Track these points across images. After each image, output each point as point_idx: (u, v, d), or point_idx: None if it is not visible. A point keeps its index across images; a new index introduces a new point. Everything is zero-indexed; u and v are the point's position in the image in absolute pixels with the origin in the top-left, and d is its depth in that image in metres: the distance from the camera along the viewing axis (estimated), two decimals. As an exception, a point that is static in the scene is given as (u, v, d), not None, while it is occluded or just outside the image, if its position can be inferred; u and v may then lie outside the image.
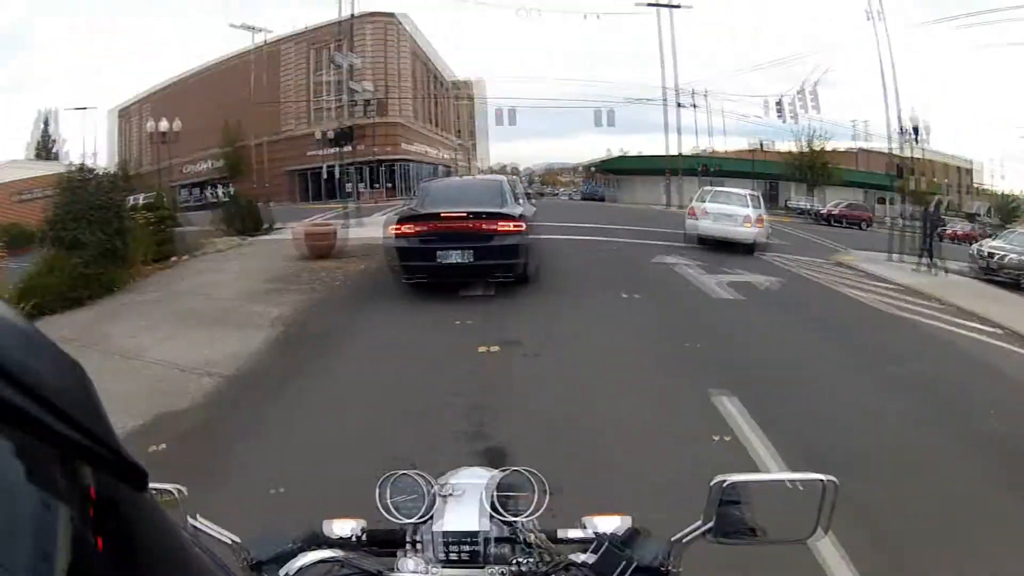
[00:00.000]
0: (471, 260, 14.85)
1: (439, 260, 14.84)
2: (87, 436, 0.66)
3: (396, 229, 15.33)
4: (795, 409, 8.99)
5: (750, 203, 27.25)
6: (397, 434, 8.05)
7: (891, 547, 5.81)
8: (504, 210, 15.47)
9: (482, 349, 11.42)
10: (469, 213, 15.02)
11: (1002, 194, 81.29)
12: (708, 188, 30.89)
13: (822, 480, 1.84)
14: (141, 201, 23.71)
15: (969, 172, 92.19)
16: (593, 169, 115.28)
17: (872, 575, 5.46)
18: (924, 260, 25.08)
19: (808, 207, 62.94)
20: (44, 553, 0.62)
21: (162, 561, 0.87)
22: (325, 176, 60.44)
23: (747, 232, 26.13)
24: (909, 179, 33.86)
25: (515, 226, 15.11)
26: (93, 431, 0.67)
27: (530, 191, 20.41)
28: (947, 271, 24.66)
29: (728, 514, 1.85)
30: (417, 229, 15.11)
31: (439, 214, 15.14)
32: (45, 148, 74.67)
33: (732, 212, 26.51)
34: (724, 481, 1.84)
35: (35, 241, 17.82)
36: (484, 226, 14.85)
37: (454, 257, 14.79)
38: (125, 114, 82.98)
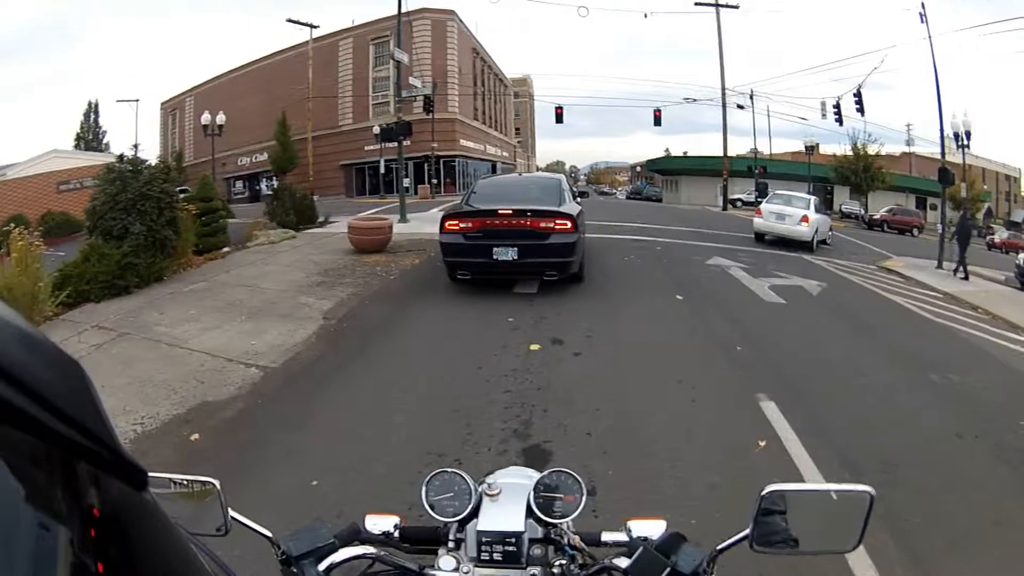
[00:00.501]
0: (526, 258, 14.74)
1: (495, 257, 14.72)
2: (86, 436, 0.65)
3: (451, 224, 15.26)
4: (838, 416, 8.92)
5: (807, 205, 29.30)
6: (442, 430, 8.03)
7: (921, 558, 5.72)
8: (561, 209, 15.38)
9: (533, 347, 11.41)
10: (527, 211, 14.99)
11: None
12: (779, 192, 33.13)
13: (869, 492, 1.83)
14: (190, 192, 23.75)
15: (1017, 180, 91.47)
16: (639, 169, 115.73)
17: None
18: (958, 267, 25.24)
19: (859, 212, 62.35)
20: None
21: (162, 568, 0.85)
22: (383, 171, 60.74)
23: (801, 230, 28.28)
24: (959, 186, 33.47)
25: (572, 225, 14.97)
26: (93, 431, 0.66)
27: (576, 189, 20.67)
28: (967, 277, 24.94)
29: (770, 523, 1.84)
30: (472, 225, 15.07)
31: (496, 210, 15.05)
32: (91, 138, 75.95)
33: (790, 212, 28.91)
34: (769, 490, 1.83)
35: (81, 230, 17.97)
36: (541, 224, 14.77)
37: (510, 254, 14.67)
38: (172, 107, 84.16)
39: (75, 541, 0.65)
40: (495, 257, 14.75)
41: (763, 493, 1.81)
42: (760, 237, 29.62)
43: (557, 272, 15.12)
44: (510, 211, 14.93)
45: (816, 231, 28.86)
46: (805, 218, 28.51)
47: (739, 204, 64.81)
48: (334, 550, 1.92)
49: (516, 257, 14.70)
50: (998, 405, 9.89)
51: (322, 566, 1.88)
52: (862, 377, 10.66)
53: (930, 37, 31.50)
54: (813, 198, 31.85)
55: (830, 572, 5.05)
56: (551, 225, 14.79)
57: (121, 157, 16.99)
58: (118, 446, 0.69)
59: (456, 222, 15.24)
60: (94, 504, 0.69)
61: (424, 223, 27.34)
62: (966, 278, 24.76)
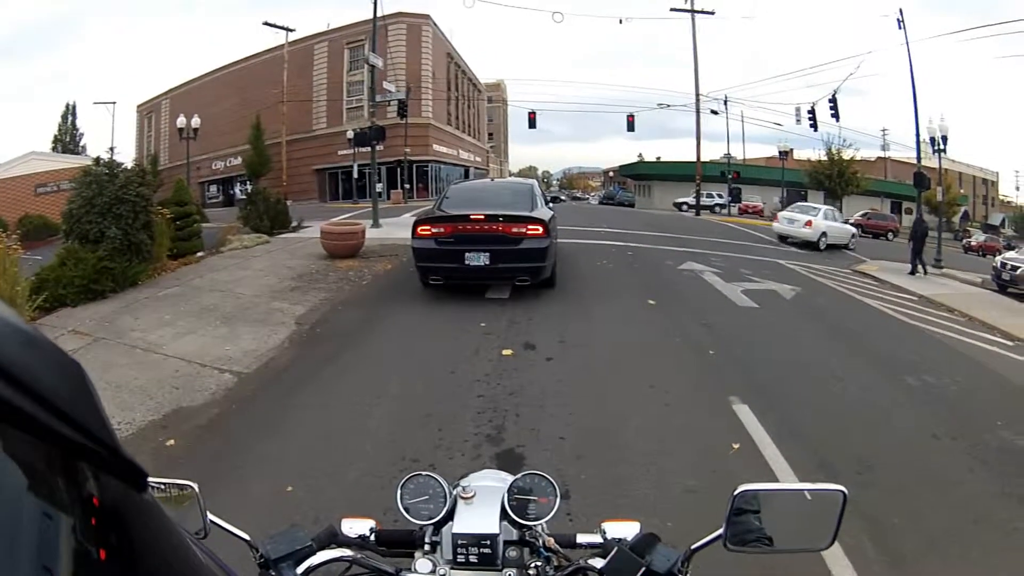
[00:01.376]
0: (498, 263, 14.76)
1: (467, 262, 14.73)
2: (86, 436, 0.66)
3: (423, 230, 15.20)
4: (813, 419, 8.97)
5: (814, 212, 34.72)
6: (415, 436, 8.05)
7: (899, 558, 5.76)
8: (533, 214, 15.43)
9: (506, 352, 11.44)
10: (499, 216, 14.96)
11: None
12: (800, 204, 39.63)
13: (841, 491, 1.86)
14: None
15: (994, 184, 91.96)
16: (612, 174, 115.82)
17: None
18: (917, 265, 26.36)
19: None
20: (45, 566, 0.61)
21: (164, 568, 0.86)
22: (356, 176, 60.58)
23: (805, 232, 33.73)
24: (935, 189, 33.69)
25: (544, 230, 15.00)
26: (92, 431, 0.67)
27: (548, 194, 20.59)
28: (926, 273, 26.28)
29: (744, 522, 1.86)
30: (445, 230, 15.04)
31: (468, 216, 15.04)
32: (69, 141, 75.42)
33: (797, 218, 34.72)
34: (742, 491, 1.85)
35: (58, 234, 17.89)
36: (513, 229, 14.79)
37: (482, 259, 14.69)
38: (148, 110, 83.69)
39: (77, 529, 0.66)
40: (467, 262, 14.75)
41: (735, 493, 1.85)
42: (783, 239, 35.08)
43: (529, 277, 15.17)
44: (482, 216, 14.91)
45: (823, 235, 33.65)
46: (809, 222, 33.64)
47: (684, 208, 66.20)
48: (312, 553, 1.95)
49: (488, 262, 14.72)
50: (975, 406, 10.01)
51: (300, 569, 1.92)
52: (836, 380, 10.75)
53: (907, 43, 31.78)
54: (825, 208, 36.77)
55: (808, 573, 5.12)
56: (523, 230, 14.83)
57: (97, 160, 16.88)
58: (118, 446, 0.71)
59: (428, 227, 15.21)
60: (94, 494, 0.70)
61: (397, 228, 27.36)
62: (925, 273, 26.07)
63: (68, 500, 0.67)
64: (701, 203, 64.00)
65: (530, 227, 14.93)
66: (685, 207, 66.34)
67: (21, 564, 0.58)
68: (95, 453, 0.68)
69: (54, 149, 67.80)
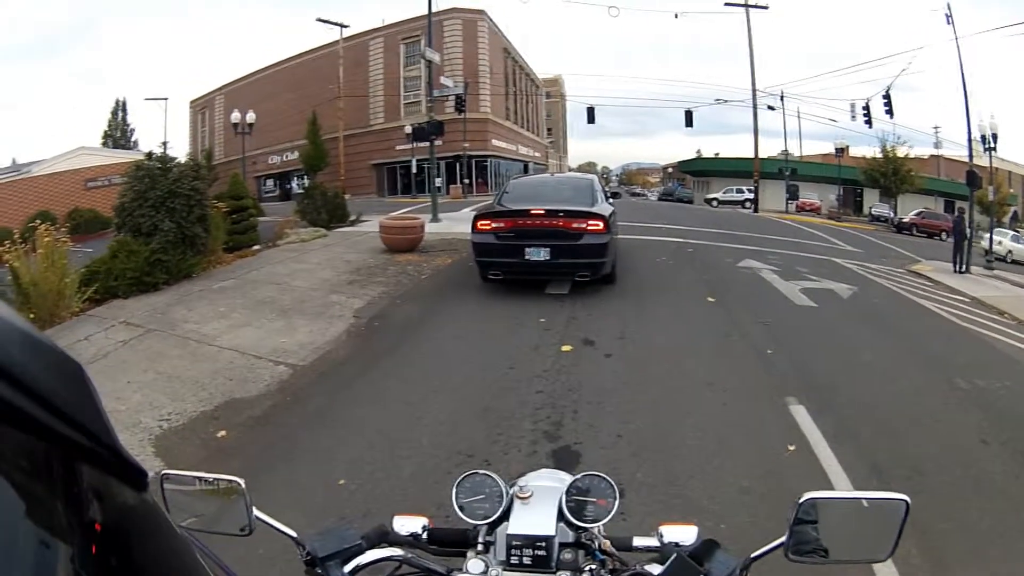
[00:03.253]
0: (558, 258, 14.73)
1: (527, 257, 14.72)
2: (87, 436, 0.67)
3: (483, 224, 15.27)
4: (867, 421, 8.85)
5: None
6: (471, 430, 8.06)
7: (945, 565, 5.71)
8: (594, 209, 15.29)
9: (565, 348, 11.42)
10: (559, 211, 14.92)
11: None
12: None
13: (904, 500, 1.83)
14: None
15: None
16: (670, 170, 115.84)
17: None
18: (959, 265, 26.39)
19: (889, 215, 62.01)
20: None
21: (142, 535, 0.84)
22: (415, 170, 60.95)
23: None
24: (986, 189, 33.27)
25: (604, 226, 14.88)
26: (93, 431, 0.68)
27: (608, 190, 20.95)
28: (968, 270, 26.18)
29: (804, 531, 1.83)
30: (505, 225, 15.06)
31: (528, 210, 15.05)
32: (119, 136, 76.64)
33: None
34: (807, 498, 1.82)
35: (110, 227, 18.06)
36: (574, 224, 14.69)
37: (542, 254, 14.66)
38: (202, 105, 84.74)
39: (76, 558, 0.64)
40: (527, 257, 14.73)
41: (800, 501, 1.80)
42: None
43: (589, 273, 15.04)
44: (542, 211, 14.87)
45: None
46: None
47: (715, 204, 67.31)
48: (361, 552, 1.92)
49: (548, 257, 14.66)
50: (1020, 406, 9.86)
51: (347, 568, 1.88)
52: (890, 382, 10.62)
53: (956, 39, 31.45)
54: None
55: (854, 576, 4.99)
56: (583, 226, 14.69)
57: (150, 155, 17.03)
58: (118, 446, 0.71)
59: (488, 222, 15.24)
60: (96, 519, 0.69)
61: (456, 223, 27.34)
62: (963, 270, 26.09)
63: (67, 526, 0.66)
64: (726, 199, 64.40)
65: (591, 222, 14.77)
66: (715, 203, 67.77)
67: None
68: (95, 453, 0.69)
69: (104, 144, 68.85)
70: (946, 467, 7.54)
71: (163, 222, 15.42)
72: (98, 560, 0.67)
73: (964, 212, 29.24)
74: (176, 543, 0.93)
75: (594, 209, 15.29)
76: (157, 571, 0.82)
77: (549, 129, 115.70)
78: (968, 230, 27.24)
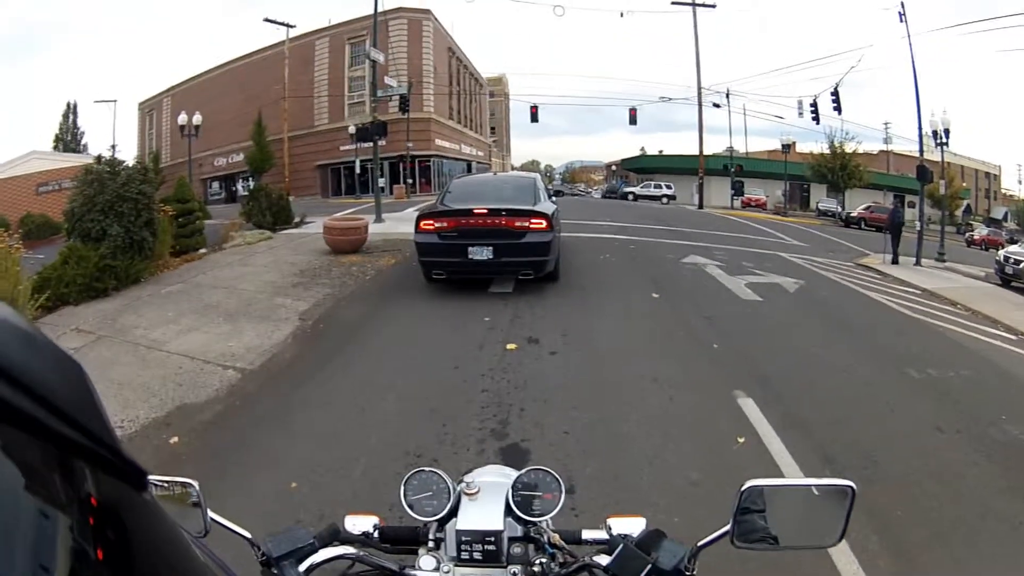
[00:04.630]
0: (501, 257, 14.81)
1: (470, 256, 14.78)
2: (86, 436, 0.66)
3: (426, 224, 15.25)
4: (817, 412, 8.94)
5: None
6: (420, 430, 8.04)
7: (904, 551, 5.77)
8: (537, 208, 15.47)
9: (510, 346, 11.44)
10: (502, 210, 15.01)
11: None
12: None
13: (850, 487, 1.84)
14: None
15: (997, 177, 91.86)
16: (614, 168, 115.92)
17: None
18: (889, 254, 26.91)
19: (836, 210, 62.57)
20: (43, 566, 0.61)
21: (164, 567, 0.85)
22: (358, 171, 60.71)
23: None
24: (937, 183, 33.69)
25: (547, 224, 15.04)
26: (93, 431, 0.67)
27: (551, 188, 21.08)
28: (897, 261, 26.45)
29: (751, 519, 1.85)
30: (447, 224, 15.08)
31: (471, 210, 15.03)
32: (70, 140, 75.53)
33: None
34: (748, 486, 1.84)
35: (60, 233, 17.91)
36: (517, 223, 14.83)
37: (485, 253, 14.74)
38: (150, 107, 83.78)
39: (75, 528, 0.66)
40: (470, 257, 14.80)
41: (742, 489, 1.84)
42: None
43: (533, 271, 15.17)
44: (485, 210, 14.93)
45: None
46: None
47: (631, 198, 69.11)
48: (314, 551, 1.94)
49: (491, 256, 14.76)
50: (979, 399, 9.94)
51: (302, 567, 1.90)
52: (840, 373, 10.71)
53: (909, 36, 31.71)
54: None
55: (813, 566, 5.09)
56: (526, 224, 14.85)
57: (99, 158, 16.91)
58: (118, 446, 0.71)
59: (431, 222, 15.25)
60: (92, 493, 0.70)
61: (399, 223, 27.42)
62: (896, 261, 26.49)
63: (65, 499, 0.66)
64: (644, 193, 65.44)
65: (533, 221, 14.93)
66: (631, 196, 69.62)
67: (18, 563, 0.58)
68: (95, 453, 0.68)
69: (55, 148, 67.83)
70: (901, 456, 7.64)
71: (112, 227, 15.33)
72: (96, 532, 0.69)
73: (898, 205, 30.43)
74: (176, 535, 0.94)
75: (537, 208, 15.49)
76: (156, 553, 0.83)
77: (493, 128, 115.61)
78: (915, 222, 27.56)
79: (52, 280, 14.05)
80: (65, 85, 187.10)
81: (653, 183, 72.30)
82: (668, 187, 69.87)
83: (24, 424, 0.60)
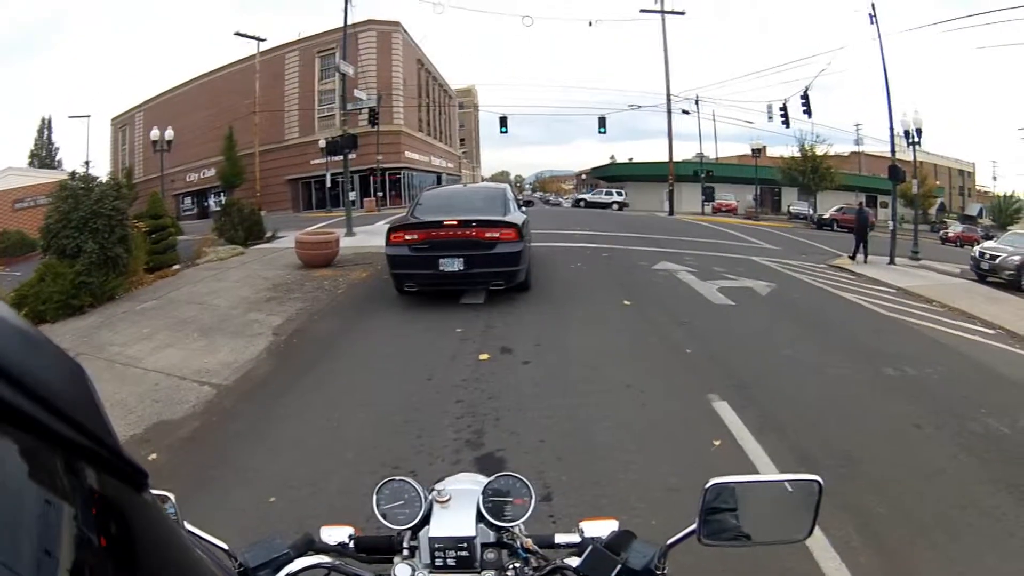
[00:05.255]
0: (472, 268, 14.93)
1: (441, 268, 14.90)
2: (87, 437, 0.68)
3: (397, 237, 15.39)
4: (793, 413, 8.99)
5: None
6: (395, 442, 8.05)
7: (886, 547, 5.80)
8: (507, 218, 15.66)
9: (483, 356, 11.45)
10: (472, 221, 15.13)
11: (1002, 196, 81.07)
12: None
13: (816, 481, 1.86)
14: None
15: (971, 175, 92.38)
16: (584, 176, 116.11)
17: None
18: (860, 253, 27.77)
19: (808, 212, 62.82)
20: (47, 551, 0.62)
21: (164, 560, 0.87)
22: (329, 184, 60.57)
23: None
24: (910, 182, 33.93)
25: (517, 234, 15.22)
26: (93, 432, 0.69)
27: (521, 198, 21.57)
28: (867, 260, 27.26)
29: (722, 518, 1.87)
30: (418, 237, 15.19)
31: (441, 222, 15.15)
32: (45, 155, 75.14)
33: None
34: (714, 484, 1.86)
35: (37, 249, 17.85)
36: (487, 234, 14.98)
37: (456, 265, 14.86)
38: (123, 123, 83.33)
39: (78, 517, 0.67)
40: (441, 268, 14.92)
41: (707, 486, 1.86)
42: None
43: (504, 281, 15.37)
44: (455, 222, 15.04)
45: None
46: None
47: (583, 204, 72.67)
48: (289, 560, 1.97)
49: (462, 268, 14.88)
50: (957, 394, 10.06)
51: None
52: (816, 374, 10.82)
53: (880, 37, 31.85)
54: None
55: (794, 565, 5.15)
56: (496, 235, 15.02)
57: (73, 174, 16.87)
58: (119, 447, 0.73)
59: (402, 234, 15.38)
60: (95, 486, 0.71)
61: (371, 236, 27.53)
62: (865, 261, 27.21)
63: (69, 489, 0.68)
64: (595, 200, 66.82)
65: (503, 231, 15.11)
66: (583, 203, 73.51)
67: (23, 548, 0.60)
68: (96, 454, 0.70)
69: (31, 164, 67.77)
70: (879, 453, 7.71)
71: (86, 243, 15.30)
72: (99, 522, 0.70)
73: (864, 205, 31.26)
74: (176, 540, 0.97)
75: (507, 218, 15.68)
76: (156, 546, 0.86)
77: (462, 140, 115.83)
78: (888, 222, 27.90)
79: (29, 297, 14.08)
80: (39, 101, 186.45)
81: (604, 190, 73.61)
82: (619, 193, 70.97)
83: (24, 424, 0.62)
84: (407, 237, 15.27)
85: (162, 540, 0.90)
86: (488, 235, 14.99)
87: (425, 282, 15.51)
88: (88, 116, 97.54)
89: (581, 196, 75.23)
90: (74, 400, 0.68)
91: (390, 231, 15.76)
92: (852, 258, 27.48)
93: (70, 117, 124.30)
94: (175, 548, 0.95)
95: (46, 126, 78.81)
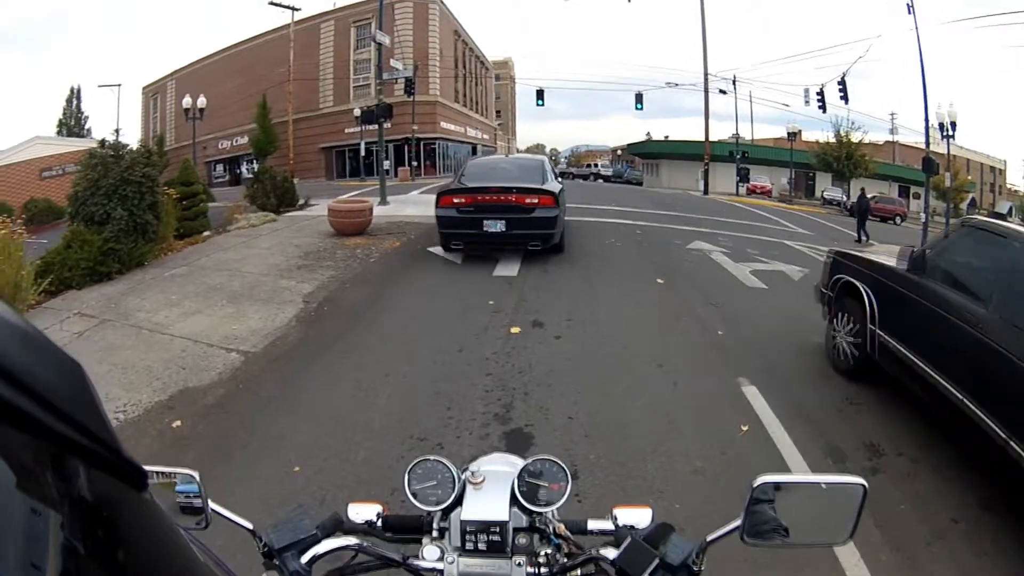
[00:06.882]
0: (513, 230, 16.41)
1: (485, 229, 16.39)
2: (87, 436, 0.66)
3: (446, 200, 16.83)
4: (821, 400, 8.90)
5: None
6: (423, 414, 8.03)
7: (912, 555, 5.71)
8: (545, 187, 17.01)
9: (514, 330, 11.45)
10: (514, 188, 16.60)
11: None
12: None
13: (862, 484, 1.80)
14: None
15: (1002, 172, 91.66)
16: (619, 152, 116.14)
17: None
18: (861, 239, 29.14)
19: (841, 199, 62.49)
20: (32, 561, 0.61)
21: (158, 564, 0.85)
22: (363, 153, 60.68)
23: None
24: (943, 175, 33.81)
25: (554, 201, 16.68)
26: (93, 431, 0.67)
27: (556, 170, 23.06)
28: (868, 241, 28.71)
29: (761, 513, 1.81)
30: (465, 200, 16.63)
31: (486, 188, 16.75)
32: (73, 124, 75.58)
33: None
34: (761, 481, 1.79)
35: (64, 217, 17.91)
36: (527, 200, 16.39)
37: (498, 226, 16.34)
38: (154, 91, 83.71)
39: (66, 526, 0.65)
40: (485, 229, 16.41)
41: (755, 484, 1.79)
42: None
43: (540, 243, 16.79)
44: (499, 188, 16.59)
45: None
46: None
47: (591, 178, 76.86)
48: (316, 542, 1.93)
49: (504, 229, 16.36)
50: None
51: (304, 558, 1.89)
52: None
53: (917, 28, 31.73)
54: None
55: (814, 557, 5.09)
56: (535, 201, 16.42)
57: (103, 142, 16.89)
58: (119, 446, 0.71)
59: (450, 198, 16.77)
60: (84, 491, 0.69)
61: (404, 205, 27.45)
62: (868, 242, 28.65)
63: (57, 496, 0.65)
64: (580, 173, 68.70)
65: (542, 198, 16.54)
66: (592, 177, 76.99)
67: (9, 560, 0.58)
68: (95, 453, 0.68)
69: (59, 133, 68.00)
70: (906, 447, 7.55)
71: (115, 210, 15.36)
72: (88, 530, 0.68)
73: (864, 191, 33.17)
74: (174, 542, 0.94)
75: (545, 186, 17.03)
76: (149, 550, 0.83)
77: (498, 111, 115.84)
78: (920, 213, 28.37)
79: (55, 264, 14.10)
80: (69, 70, 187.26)
81: (587, 164, 76.03)
82: (605, 167, 72.66)
83: (24, 424, 0.59)
84: (455, 200, 16.71)
85: (157, 543, 0.87)
86: (528, 201, 16.39)
87: (470, 240, 17.01)
88: (119, 85, 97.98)
89: (570, 169, 78.66)
90: (74, 399, 0.66)
91: (440, 195, 17.14)
92: (858, 241, 28.36)
93: (100, 86, 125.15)
94: (171, 551, 0.92)
95: (75, 95, 79.20)
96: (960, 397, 6.72)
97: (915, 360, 7.77)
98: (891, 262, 9.09)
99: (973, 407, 6.48)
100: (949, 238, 8.74)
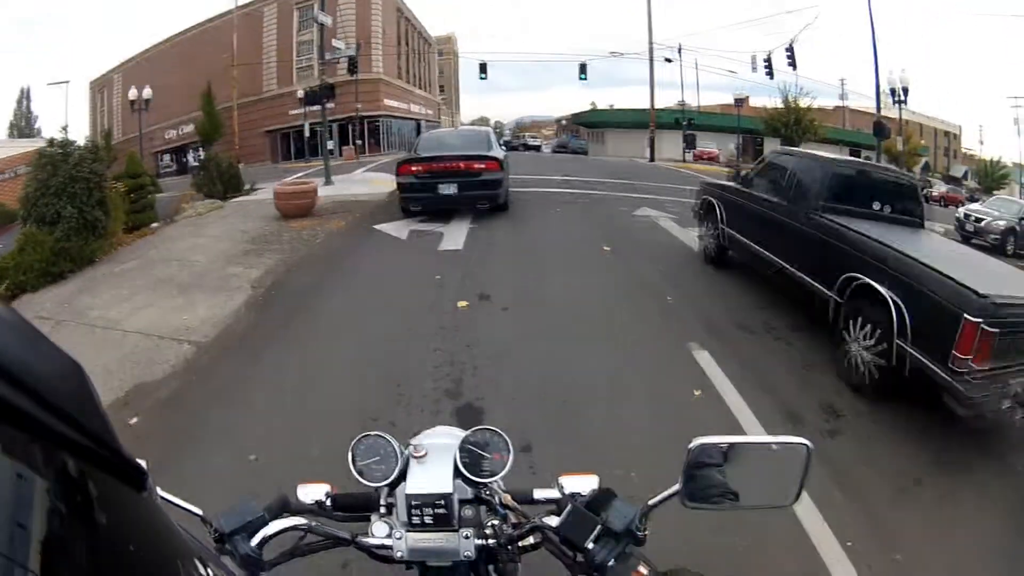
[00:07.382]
0: (464, 192, 18.60)
1: (440, 191, 18.51)
2: (87, 436, 0.69)
3: (404, 168, 18.93)
4: (774, 364, 9.05)
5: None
6: (374, 394, 8.04)
7: (872, 512, 5.83)
8: (490, 153, 19.28)
9: (461, 304, 11.45)
10: (463, 155, 18.90)
11: (989, 161, 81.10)
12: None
13: (805, 445, 1.84)
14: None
15: (957, 137, 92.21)
16: (564, 122, 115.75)
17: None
18: None
19: (790, 163, 62.88)
20: (19, 523, 0.62)
21: (160, 562, 0.88)
22: (307, 135, 60.25)
23: None
24: (895, 139, 33.97)
25: (498, 166, 19.07)
26: (93, 431, 0.71)
27: (502, 142, 24.50)
28: None
29: (704, 477, 1.84)
30: (422, 168, 18.75)
31: (439, 156, 18.91)
32: (24, 125, 74.54)
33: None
34: (698, 443, 1.83)
35: (17, 220, 17.77)
36: (475, 165, 18.72)
37: (451, 189, 18.49)
38: (101, 85, 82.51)
39: (52, 491, 0.66)
40: (440, 192, 18.56)
41: (691, 446, 1.82)
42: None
43: (488, 202, 19.19)
44: (451, 156, 18.90)
45: None
46: None
47: (522, 148, 76.70)
48: (265, 523, 1.95)
49: (456, 191, 18.56)
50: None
51: (254, 541, 1.92)
52: (800, 327, 10.75)
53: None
54: None
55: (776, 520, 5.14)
56: (483, 166, 18.79)
57: (51, 141, 16.79)
58: (119, 446, 0.74)
59: (408, 167, 18.94)
60: (67, 462, 0.70)
61: (349, 185, 27.55)
62: None
63: (43, 463, 0.67)
64: (522, 143, 69.43)
65: (488, 163, 18.90)
66: (521, 148, 77.61)
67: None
68: (95, 453, 0.71)
69: (10, 135, 67.32)
70: (864, 409, 7.73)
71: (65, 209, 15.31)
72: (73, 496, 0.70)
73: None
74: (175, 544, 0.97)
75: (490, 153, 19.35)
76: (135, 522, 0.84)
77: (441, 87, 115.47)
78: None
79: (10, 269, 14.03)
80: (19, 72, 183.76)
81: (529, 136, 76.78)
82: (533, 138, 74.35)
83: (24, 424, 0.62)
84: (413, 168, 18.86)
85: (159, 541, 0.90)
86: (476, 166, 18.75)
87: (427, 203, 19.06)
88: (67, 82, 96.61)
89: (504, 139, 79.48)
90: (74, 399, 0.69)
91: (399, 164, 19.48)
92: None
93: (49, 84, 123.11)
94: (172, 549, 0.95)
95: (24, 96, 78.28)
96: (779, 261, 10.94)
97: (749, 243, 12.25)
98: (732, 184, 14.03)
99: (786, 265, 10.72)
100: (762, 163, 13.89)
